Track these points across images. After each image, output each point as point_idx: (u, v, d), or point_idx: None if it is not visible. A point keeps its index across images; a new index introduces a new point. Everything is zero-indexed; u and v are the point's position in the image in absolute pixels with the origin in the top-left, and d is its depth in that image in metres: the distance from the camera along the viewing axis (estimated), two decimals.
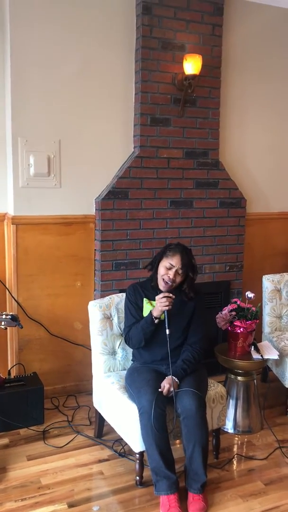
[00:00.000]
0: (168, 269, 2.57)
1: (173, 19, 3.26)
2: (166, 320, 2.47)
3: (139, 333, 2.58)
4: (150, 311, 2.57)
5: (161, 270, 2.59)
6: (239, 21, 3.59)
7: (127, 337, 2.66)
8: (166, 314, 2.48)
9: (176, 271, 2.56)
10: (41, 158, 3.13)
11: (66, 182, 3.24)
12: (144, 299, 2.67)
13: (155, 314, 2.53)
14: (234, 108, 3.69)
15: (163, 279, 2.57)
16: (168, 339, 2.46)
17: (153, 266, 2.66)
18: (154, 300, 2.60)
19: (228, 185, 3.63)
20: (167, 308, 2.47)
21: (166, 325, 2.47)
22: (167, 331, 2.46)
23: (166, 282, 2.56)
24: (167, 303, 2.47)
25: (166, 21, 3.24)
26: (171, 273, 2.56)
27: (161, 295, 2.51)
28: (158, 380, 2.45)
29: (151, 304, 2.63)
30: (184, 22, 3.30)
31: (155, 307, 2.53)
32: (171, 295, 2.50)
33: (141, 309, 2.66)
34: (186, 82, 3.26)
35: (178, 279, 2.59)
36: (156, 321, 2.53)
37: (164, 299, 2.47)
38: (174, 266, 2.56)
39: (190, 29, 3.32)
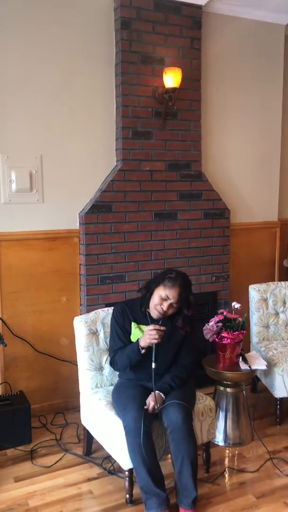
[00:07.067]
0: (163, 299, 2.43)
1: (152, 33, 3.29)
2: (153, 353, 2.36)
3: (125, 360, 2.50)
4: (138, 339, 2.45)
5: (156, 298, 2.45)
6: (216, 34, 3.63)
7: (113, 360, 2.57)
8: (154, 346, 2.37)
9: (171, 304, 2.44)
10: (23, 174, 3.12)
11: (49, 197, 3.22)
12: (133, 323, 2.56)
13: (142, 344, 2.41)
14: (215, 120, 3.71)
15: (156, 309, 2.46)
16: (153, 373, 2.36)
17: (149, 290, 2.52)
18: (143, 324, 2.53)
19: (211, 196, 3.64)
20: (155, 341, 2.35)
21: (153, 359, 2.36)
22: (153, 365, 2.36)
23: (159, 312, 2.46)
24: (156, 336, 2.34)
25: (145, 35, 3.26)
26: (165, 305, 2.43)
27: (151, 326, 2.38)
28: (145, 395, 2.42)
29: (140, 328, 2.54)
30: (163, 36, 3.33)
31: (143, 337, 2.41)
32: (162, 328, 2.38)
33: (128, 332, 2.56)
34: (167, 95, 3.28)
35: (170, 312, 2.47)
36: (142, 351, 2.42)
37: (154, 332, 2.34)
38: (169, 299, 2.42)
39: (169, 43, 3.35)
